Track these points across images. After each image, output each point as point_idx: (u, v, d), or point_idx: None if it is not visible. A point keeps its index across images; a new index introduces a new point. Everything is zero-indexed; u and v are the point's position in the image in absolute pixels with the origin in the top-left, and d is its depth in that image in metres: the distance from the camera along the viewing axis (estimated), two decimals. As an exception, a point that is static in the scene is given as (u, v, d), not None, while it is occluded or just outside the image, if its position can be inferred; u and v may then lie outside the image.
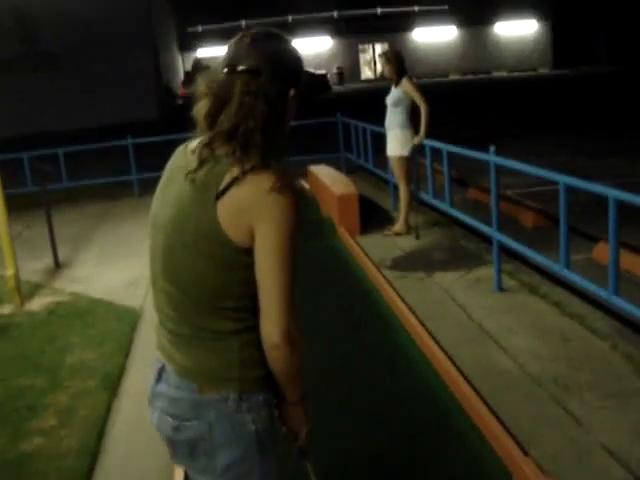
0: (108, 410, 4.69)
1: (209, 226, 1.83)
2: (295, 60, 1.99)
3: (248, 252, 1.84)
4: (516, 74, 51.26)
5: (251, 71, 1.86)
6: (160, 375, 2.04)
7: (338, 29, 54.47)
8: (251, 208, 1.81)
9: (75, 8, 29.89)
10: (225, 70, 1.89)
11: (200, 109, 1.91)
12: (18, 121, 28.36)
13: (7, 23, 30.68)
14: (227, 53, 1.92)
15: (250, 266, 1.85)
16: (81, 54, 30.78)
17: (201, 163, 1.87)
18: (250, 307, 1.89)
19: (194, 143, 1.96)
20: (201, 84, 1.92)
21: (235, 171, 1.82)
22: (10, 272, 6.92)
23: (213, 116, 1.88)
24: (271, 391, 1.98)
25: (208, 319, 1.91)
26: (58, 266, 8.43)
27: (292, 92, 1.96)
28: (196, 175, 1.87)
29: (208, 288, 1.89)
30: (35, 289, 7.54)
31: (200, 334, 1.93)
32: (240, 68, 1.86)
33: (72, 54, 30.85)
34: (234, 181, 1.81)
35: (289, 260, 1.84)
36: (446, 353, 4.93)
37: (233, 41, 1.94)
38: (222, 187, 1.82)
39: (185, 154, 1.98)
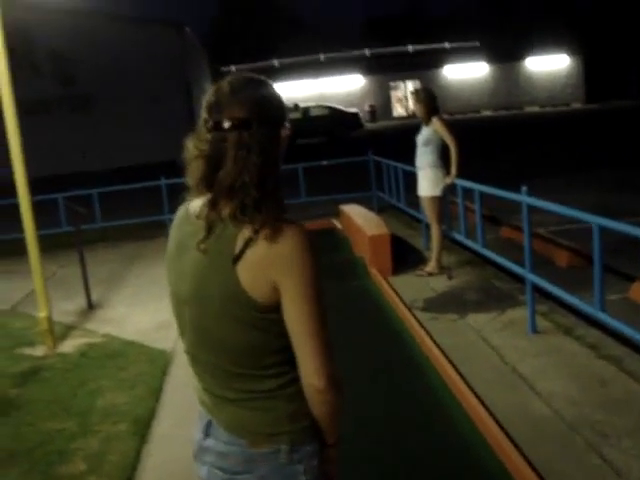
0: (138, 455, 4.66)
1: (234, 292, 1.81)
2: (279, 101, 1.96)
3: (276, 309, 1.83)
4: (548, 109, 51.08)
5: (240, 124, 1.83)
6: (207, 430, 2.01)
7: (369, 67, 54.80)
8: (271, 266, 1.79)
9: (110, 50, 30.49)
10: (211, 126, 1.85)
11: (194, 172, 1.88)
12: (54, 161, 28.79)
13: (46, 66, 31.36)
14: (207, 106, 1.88)
15: (281, 321, 1.84)
16: (115, 95, 31.28)
17: (209, 229, 1.84)
18: (288, 359, 1.88)
19: (196, 205, 1.93)
20: (190, 146, 1.88)
21: (246, 232, 1.80)
22: (43, 314, 6.96)
23: (210, 176, 1.84)
24: (318, 440, 1.97)
25: (251, 381, 1.90)
26: (91, 307, 8.48)
27: (283, 133, 1.94)
28: (207, 244, 1.84)
29: (245, 351, 1.87)
30: (67, 330, 7.58)
31: (245, 396, 1.92)
32: (227, 124, 1.83)
33: (107, 95, 31.36)
34: (248, 243, 1.79)
35: (318, 307, 1.83)
36: (479, 398, 4.84)
37: (210, 93, 1.90)
38: (237, 251, 1.80)
39: (189, 218, 1.96)
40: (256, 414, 1.92)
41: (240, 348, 1.87)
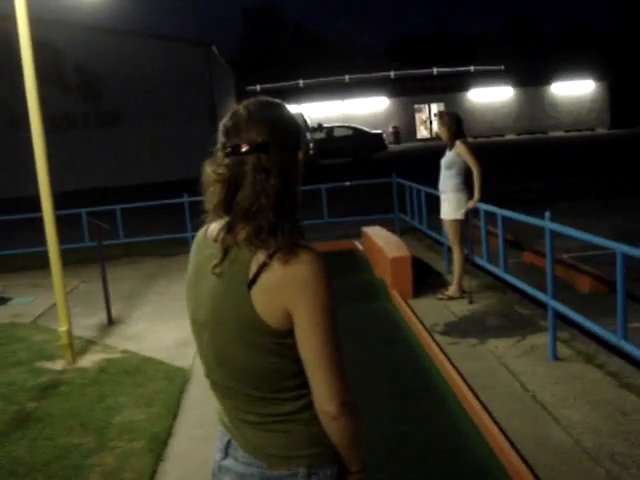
0: (154, 474, 4.65)
1: (248, 316, 1.81)
2: (296, 124, 1.96)
3: (291, 333, 1.82)
4: (573, 134, 50.90)
5: (258, 147, 1.83)
6: (227, 450, 2.02)
7: (394, 89, 54.94)
8: (284, 291, 1.79)
9: (137, 67, 30.80)
10: (229, 151, 1.85)
11: (212, 196, 1.87)
12: (80, 176, 29.05)
13: (73, 81, 31.73)
14: (224, 131, 1.88)
15: (296, 345, 1.83)
16: (142, 112, 31.56)
17: (225, 253, 1.84)
18: (307, 382, 1.86)
19: (214, 228, 1.93)
20: (208, 171, 1.87)
21: (261, 257, 1.80)
22: (63, 328, 6.99)
23: (228, 200, 1.84)
24: (338, 464, 1.96)
25: (269, 405, 1.90)
26: (111, 322, 8.51)
27: (300, 155, 1.94)
28: (222, 268, 1.84)
29: (263, 376, 1.87)
30: (87, 345, 7.61)
31: (264, 420, 1.91)
32: (245, 147, 1.83)
33: (133, 112, 31.65)
34: (262, 267, 1.79)
35: (331, 333, 1.82)
36: (498, 425, 4.79)
37: (227, 117, 1.91)
38: (251, 276, 1.80)
39: (207, 241, 1.96)
40: (275, 437, 1.91)
41: (257, 372, 1.86)
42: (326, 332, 1.81)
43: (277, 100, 1.96)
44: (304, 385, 1.87)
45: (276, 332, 1.81)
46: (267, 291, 1.79)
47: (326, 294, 1.81)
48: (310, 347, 1.81)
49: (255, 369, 1.86)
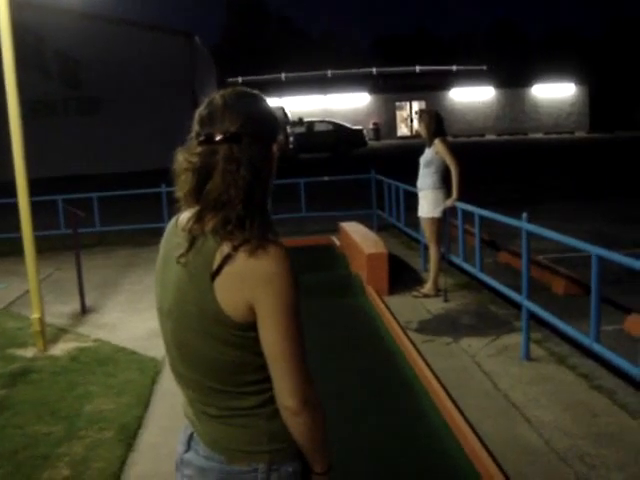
0: (123, 464, 4.61)
1: (211, 308, 1.79)
2: (272, 116, 1.93)
3: (254, 327, 1.80)
4: (553, 136, 51.26)
5: (231, 138, 1.80)
6: (189, 443, 2.00)
7: (376, 85, 55.02)
8: (247, 284, 1.76)
9: (119, 54, 30.61)
10: (202, 139, 1.83)
11: (183, 185, 1.84)
12: (58, 163, 28.83)
13: (53, 67, 31.48)
14: (199, 119, 1.86)
15: (259, 339, 1.81)
16: (122, 100, 31.40)
17: (192, 242, 1.82)
18: (269, 377, 1.84)
19: (184, 217, 1.90)
20: (180, 159, 1.85)
21: (225, 248, 1.77)
22: (35, 315, 6.92)
23: (199, 190, 1.82)
24: (300, 461, 1.93)
25: (231, 398, 1.87)
26: (84, 311, 8.44)
27: (274, 149, 1.91)
28: (187, 257, 1.82)
29: (225, 369, 1.85)
30: (59, 333, 7.54)
31: (225, 413, 1.89)
32: (219, 137, 1.80)
33: (113, 99, 31.48)
34: (226, 259, 1.76)
35: (295, 327, 1.80)
36: (469, 423, 4.80)
37: (203, 105, 1.88)
38: (215, 267, 1.77)
39: (176, 230, 1.93)
40: (235, 431, 1.89)
41: (219, 365, 1.84)
42: (288, 327, 1.79)
43: (255, 91, 1.93)
44: (266, 380, 1.85)
45: (238, 325, 1.79)
46: (230, 283, 1.76)
47: (290, 289, 1.78)
48: (272, 341, 1.79)
49: (217, 362, 1.84)
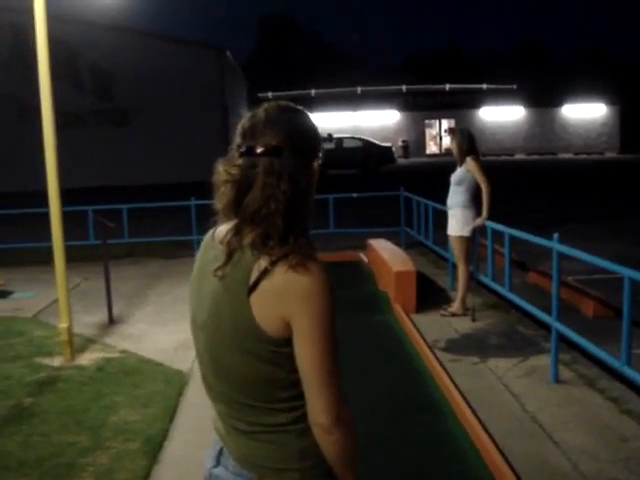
0: (147, 476, 4.60)
1: (246, 323, 1.77)
2: (314, 132, 1.92)
3: (289, 343, 1.78)
4: (582, 156, 50.89)
5: (272, 151, 1.79)
6: (219, 458, 1.98)
7: (406, 103, 55.00)
8: (284, 300, 1.75)
9: (150, 67, 30.91)
10: (243, 151, 1.82)
11: (222, 197, 1.84)
12: (88, 173, 29.09)
13: (86, 79, 31.85)
14: (241, 132, 1.86)
15: (293, 355, 1.80)
16: (154, 113, 31.66)
17: (229, 256, 1.80)
18: (301, 394, 1.82)
19: (222, 230, 1.90)
20: (221, 171, 1.84)
21: (263, 263, 1.76)
22: (63, 324, 6.97)
23: (238, 202, 1.81)
24: (330, 479, 1.91)
25: (262, 414, 1.86)
26: (112, 321, 8.48)
27: (315, 165, 1.90)
28: (224, 271, 1.80)
29: (257, 384, 1.83)
30: (86, 343, 7.58)
31: (256, 429, 1.87)
32: (260, 149, 1.80)
33: (145, 112, 31.76)
34: (263, 274, 1.75)
35: (330, 345, 1.78)
36: (497, 445, 4.74)
37: (246, 118, 1.88)
38: (252, 282, 1.76)
39: (213, 242, 1.93)
40: (266, 448, 1.87)
41: (251, 380, 1.83)
42: (325, 344, 1.77)
43: (298, 106, 1.93)
44: (299, 397, 1.83)
45: (273, 340, 1.77)
46: (267, 298, 1.75)
47: (328, 306, 1.77)
48: (307, 358, 1.77)
49: (249, 377, 1.82)
